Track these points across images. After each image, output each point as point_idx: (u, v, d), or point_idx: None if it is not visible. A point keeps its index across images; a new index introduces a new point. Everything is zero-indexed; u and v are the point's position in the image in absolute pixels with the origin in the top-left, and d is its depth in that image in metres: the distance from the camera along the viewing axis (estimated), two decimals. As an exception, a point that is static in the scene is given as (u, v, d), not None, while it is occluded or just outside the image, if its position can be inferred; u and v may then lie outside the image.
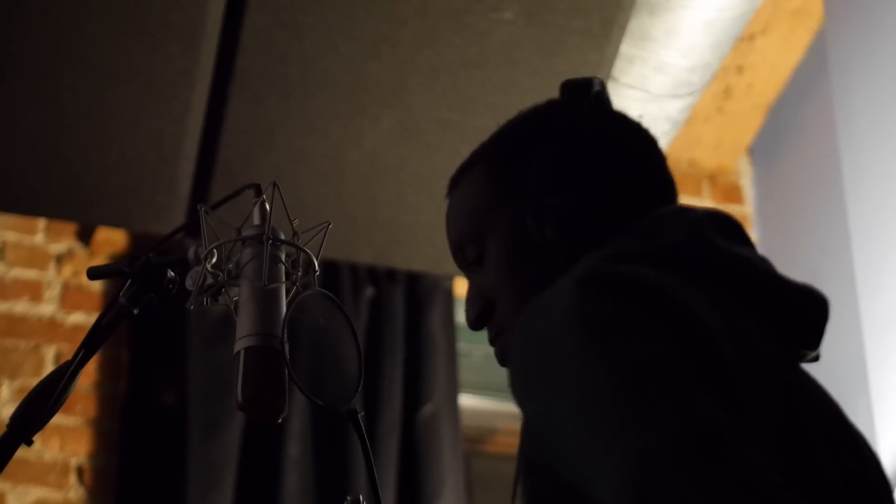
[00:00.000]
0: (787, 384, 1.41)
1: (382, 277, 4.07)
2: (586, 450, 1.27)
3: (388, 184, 3.69)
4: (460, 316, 4.17)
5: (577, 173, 1.60)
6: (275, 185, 1.74)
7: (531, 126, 1.70)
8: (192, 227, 1.80)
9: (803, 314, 1.53)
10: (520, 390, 1.38)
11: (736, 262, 1.49)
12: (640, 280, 1.37)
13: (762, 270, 1.51)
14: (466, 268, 1.71)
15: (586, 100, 1.67)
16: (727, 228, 1.55)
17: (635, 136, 1.68)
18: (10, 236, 4.00)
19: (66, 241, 4.03)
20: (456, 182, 1.75)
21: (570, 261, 1.52)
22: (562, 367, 1.32)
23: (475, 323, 1.68)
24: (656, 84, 3.52)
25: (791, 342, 1.51)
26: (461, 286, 4.21)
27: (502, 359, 1.65)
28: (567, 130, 1.64)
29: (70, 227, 4.03)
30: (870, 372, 3.11)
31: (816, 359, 1.58)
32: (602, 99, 1.69)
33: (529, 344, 1.38)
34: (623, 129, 1.68)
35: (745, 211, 4.43)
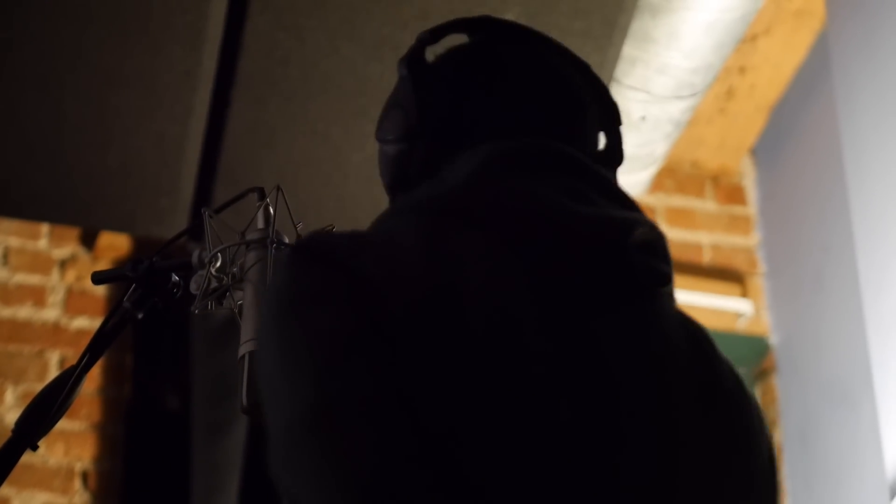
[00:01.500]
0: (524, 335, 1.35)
1: (386, 280, 4.07)
2: (267, 405, 1.34)
3: (391, 186, 3.68)
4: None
5: (398, 116, 1.60)
6: (278, 188, 1.75)
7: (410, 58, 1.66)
8: (195, 230, 1.81)
9: (591, 247, 1.42)
10: None
11: (510, 202, 1.45)
12: (333, 250, 1.39)
13: (542, 205, 1.44)
14: None
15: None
16: (531, 160, 1.50)
17: (488, 70, 1.62)
18: (14, 241, 4.00)
19: (69, 246, 4.03)
20: None
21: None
22: (261, 330, 1.39)
23: None
24: (659, 86, 3.51)
25: (580, 277, 1.41)
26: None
27: None
28: (418, 69, 1.63)
29: (73, 232, 4.03)
30: (874, 372, 3.11)
31: (663, 283, 1.47)
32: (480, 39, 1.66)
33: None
34: (478, 62, 1.63)
35: (749, 212, 4.43)
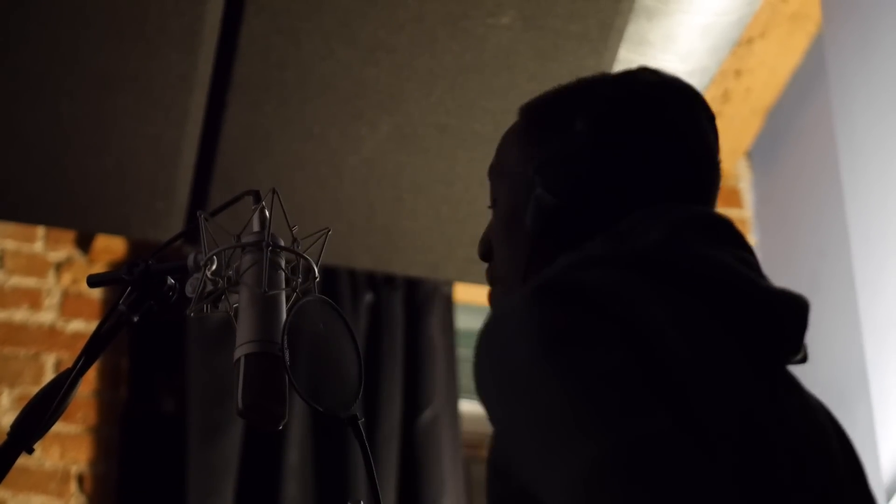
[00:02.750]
0: (749, 396, 1.39)
1: (381, 283, 4.07)
2: (539, 457, 1.28)
3: (387, 189, 3.69)
4: (460, 321, 4.17)
5: (570, 170, 1.59)
6: (274, 191, 1.74)
7: (568, 101, 1.66)
8: (191, 233, 1.80)
9: (776, 320, 1.46)
10: (483, 399, 1.40)
11: (708, 268, 1.46)
12: (595, 288, 1.37)
13: (736, 275, 1.46)
14: (490, 196, 1.73)
15: (634, 94, 1.64)
16: (712, 230, 1.53)
17: (654, 131, 1.62)
18: (10, 244, 3.99)
19: (65, 249, 4.03)
20: (518, 113, 1.73)
21: (549, 253, 1.55)
22: (517, 376, 1.33)
23: (481, 256, 1.72)
24: (654, 88, 3.52)
25: (765, 348, 1.45)
26: (460, 291, 4.21)
27: (491, 303, 1.71)
28: (588, 121, 1.62)
29: (69, 235, 4.03)
30: (870, 375, 3.11)
31: (803, 360, 1.53)
32: (654, 94, 1.65)
33: (488, 353, 1.39)
34: (646, 122, 1.63)
35: (745, 215, 4.43)
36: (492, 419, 1.39)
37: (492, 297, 1.71)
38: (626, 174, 1.59)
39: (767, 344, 1.45)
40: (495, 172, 1.71)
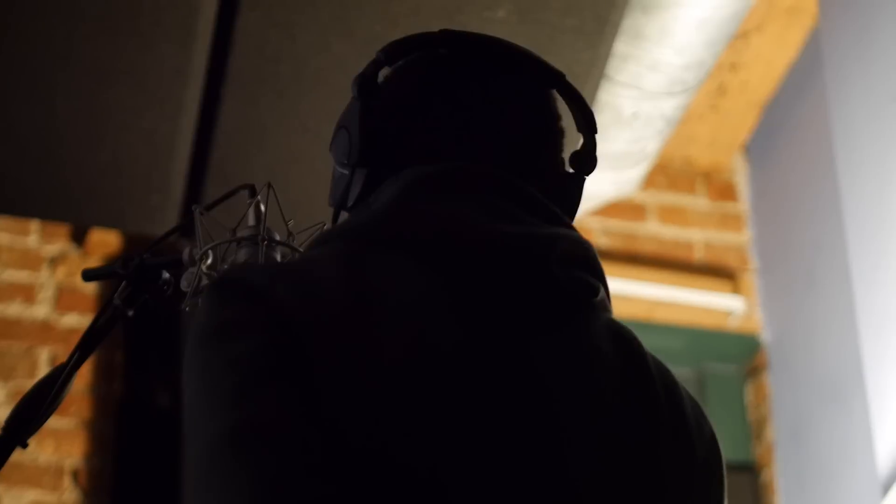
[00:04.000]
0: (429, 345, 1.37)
1: (377, 277, 4.06)
2: (186, 437, 1.35)
3: (383, 183, 3.68)
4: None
5: (344, 140, 1.64)
6: (269, 185, 1.74)
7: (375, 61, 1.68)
8: (186, 228, 1.80)
9: (489, 263, 1.44)
10: None
11: (416, 222, 1.46)
12: (246, 282, 1.40)
13: (459, 229, 1.46)
14: None
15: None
16: (447, 182, 1.52)
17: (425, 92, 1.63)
18: (4, 238, 3.99)
19: (59, 243, 4.02)
20: None
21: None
22: (186, 361, 1.39)
23: None
24: (650, 82, 3.51)
25: (482, 293, 1.43)
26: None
27: None
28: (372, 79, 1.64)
29: (63, 229, 4.02)
30: (866, 369, 3.11)
31: (588, 295, 1.50)
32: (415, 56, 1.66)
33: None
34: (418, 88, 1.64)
35: (741, 208, 4.43)
36: None
37: None
38: (396, 138, 1.60)
39: (505, 288, 1.44)
40: None
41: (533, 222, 1.50)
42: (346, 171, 1.62)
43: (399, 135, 1.60)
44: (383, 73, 1.65)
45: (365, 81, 1.62)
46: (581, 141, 1.67)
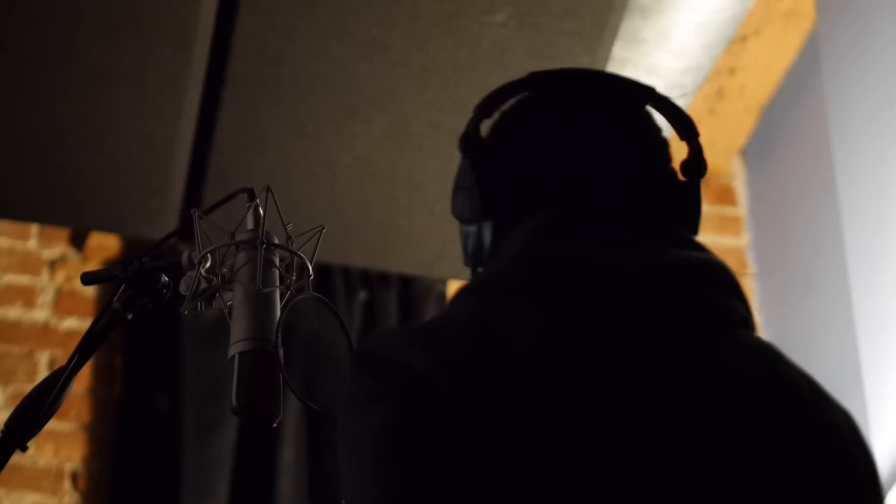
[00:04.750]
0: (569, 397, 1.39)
1: (375, 281, 4.07)
2: None
3: (381, 187, 3.68)
4: (454, 319, 4.17)
5: (464, 199, 1.65)
6: (268, 189, 1.74)
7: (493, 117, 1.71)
8: (185, 231, 1.80)
9: (624, 297, 1.45)
10: None
11: (557, 268, 1.48)
12: (381, 352, 1.43)
13: (584, 266, 1.48)
14: None
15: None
16: (573, 221, 1.54)
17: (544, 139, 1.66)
18: (3, 242, 3.99)
19: (58, 247, 4.03)
20: None
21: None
22: (339, 431, 1.44)
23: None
24: (649, 86, 3.52)
25: (620, 330, 1.44)
26: (454, 289, 4.21)
27: None
28: (493, 136, 1.68)
29: (63, 233, 4.02)
30: (864, 372, 3.11)
31: (745, 324, 1.51)
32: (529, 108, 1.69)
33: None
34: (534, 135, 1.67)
35: (739, 212, 4.43)
36: None
37: None
38: (514, 187, 1.63)
39: (630, 318, 1.45)
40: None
41: (657, 248, 1.51)
42: (473, 228, 1.64)
43: (516, 182, 1.63)
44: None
45: (469, 139, 1.67)
46: (687, 148, 1.68)
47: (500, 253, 1.56)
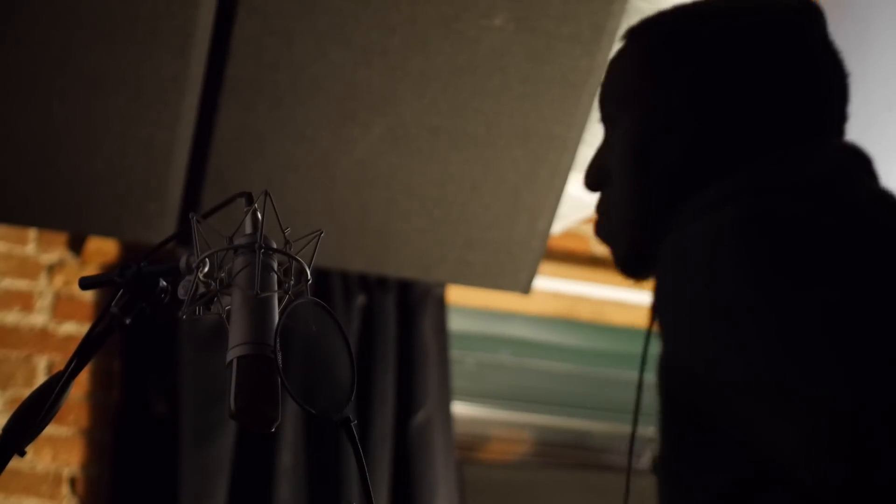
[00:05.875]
0: None
1: (374, 285, 4.07)
2: (767, 398, 1.21)
3: (379, 191, 3.68)
4: (452, 323, 4.17)
5: (722, 95, 1.58)
6: (266, 193, 1.74)
7: (704, 21, 1.64)
8: (183, 235, 1.80)
9: None
10: (674, 331, 1.35)
11: (883, 204, 1.45)
12: (806, 219, 1.34)
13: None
14: (602, 117, 1.69)
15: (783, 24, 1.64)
16: (866, 164, 1.56)
17: (806, 68, 1.63)
18: (1, 246, 3.99)
19: (57, 251, 4.03)
20: (626, 37, 1.70)
21: (691, 183, 1.52)
22: (732, 311, 1.27)
23: (590, 185, 1.68)
24: (647, 90, 3.52)
25: None
26: (453, 293, 4.20)
27: (599, 233, 1.67)
28: (734, 44, 1.61)
29: (61, 237, 4.02)
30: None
31: None
32: (801, 28, 1.66)
33: (686, 284, 1.34)
34: (795, 58, 1.63)
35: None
36: (689, 356, 1.34)
37: (601, 228, 1.68)
38: (771, 103, 1.59)
39: None
40: (614, 98, 1.68)
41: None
42: (717, 130, 1.58)
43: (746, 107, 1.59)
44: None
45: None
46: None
47: (790, 164, 1.51)
